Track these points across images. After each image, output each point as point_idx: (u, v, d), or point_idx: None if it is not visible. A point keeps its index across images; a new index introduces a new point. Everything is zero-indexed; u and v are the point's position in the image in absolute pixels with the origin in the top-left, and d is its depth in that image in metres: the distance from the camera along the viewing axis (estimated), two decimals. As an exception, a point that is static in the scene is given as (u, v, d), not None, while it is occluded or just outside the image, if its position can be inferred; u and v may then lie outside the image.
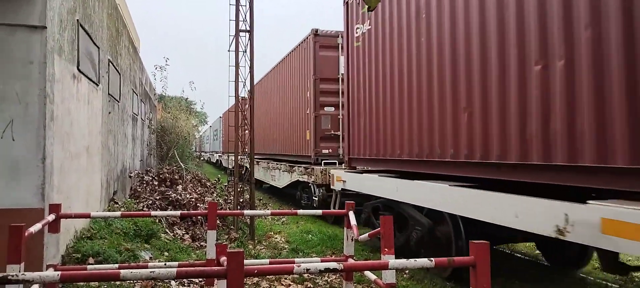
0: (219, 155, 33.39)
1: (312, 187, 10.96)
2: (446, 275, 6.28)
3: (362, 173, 8.14)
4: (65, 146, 5.75)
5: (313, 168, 10.70)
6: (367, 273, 4.16)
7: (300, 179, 11.62)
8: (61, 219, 4.19)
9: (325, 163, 10.95)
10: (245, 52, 9.23)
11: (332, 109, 11.51)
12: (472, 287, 2.60)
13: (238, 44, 9.11)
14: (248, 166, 14.89)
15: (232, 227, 8.98)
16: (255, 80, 17.23)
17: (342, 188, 8.43)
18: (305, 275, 6.12)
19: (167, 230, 8.10)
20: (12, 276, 2.19)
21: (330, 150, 11.50)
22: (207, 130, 52.58)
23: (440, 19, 5.90)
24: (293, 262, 4.50)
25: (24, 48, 4.84)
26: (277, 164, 14.35)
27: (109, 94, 9.06)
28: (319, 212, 5.25)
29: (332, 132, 11.46)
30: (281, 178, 13.76)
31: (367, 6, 2.37)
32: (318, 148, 11.34)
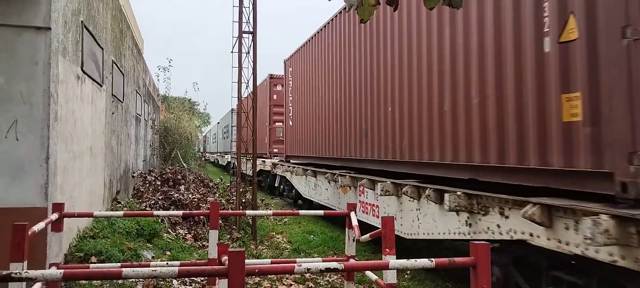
0: (232, 156, 21.54)
1: None
2: None
3: None
4: (69, 146, 5.79)
5: None
6: (369, 273, 4.18)
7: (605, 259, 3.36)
8: (64, 218, 4.22)
9: None
10: (249, 53, 9.26)
11: None
12: (472, 287, 2.62)
13: (241, 45, 9.14)
14: (281, 174, 14.23)
15: (234, 227, 9.01)
16: (299, 45, 13.74)
17: None
18: (307, 275, 6.13)
19: (169, 230, 8.13)
20: (15, 274, 2.22)
21: None
22: (213, 128, 44.35)
23: None
24: (294, 262, 4.52)
25: (29, 49, 4.88)
26: (405, 188, 5.98)
27: (112, 94, 9.10)
28: (321, 212, 5.27)
29: None
30: (430, 221, 5.59)
31: (361, 18, 2.37)
32: None
